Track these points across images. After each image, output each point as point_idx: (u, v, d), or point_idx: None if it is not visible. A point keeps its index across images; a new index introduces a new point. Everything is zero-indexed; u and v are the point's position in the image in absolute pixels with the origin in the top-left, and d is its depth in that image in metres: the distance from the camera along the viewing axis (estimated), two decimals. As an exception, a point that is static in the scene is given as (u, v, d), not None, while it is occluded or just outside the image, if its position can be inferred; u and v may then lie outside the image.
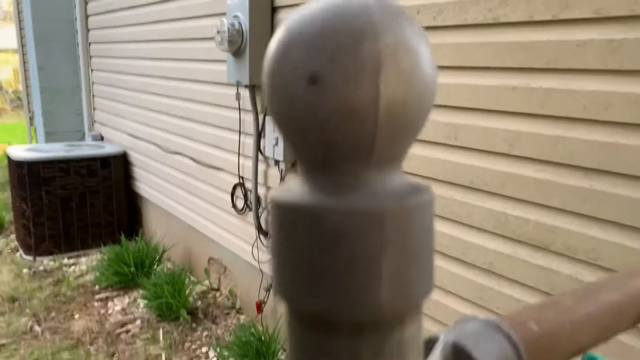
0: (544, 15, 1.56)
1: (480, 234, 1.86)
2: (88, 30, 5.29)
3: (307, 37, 0.18)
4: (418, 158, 2.01)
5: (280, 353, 2.86)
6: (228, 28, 2.67)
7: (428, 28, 1.91)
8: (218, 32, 2.72)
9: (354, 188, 0.19)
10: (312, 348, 0.20)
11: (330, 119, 0.18)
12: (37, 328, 3.33)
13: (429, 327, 1.99)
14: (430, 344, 0.30)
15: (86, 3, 5.24)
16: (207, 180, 3.64)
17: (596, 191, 1.52)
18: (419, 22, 1.93)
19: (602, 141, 1.49)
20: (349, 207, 0.18)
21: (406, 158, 0.21)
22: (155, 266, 3.98)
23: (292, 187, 0.20)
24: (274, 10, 2.74)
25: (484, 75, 1.76)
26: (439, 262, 1.94)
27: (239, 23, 2.70)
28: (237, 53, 2.77)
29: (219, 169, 3.48)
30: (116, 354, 3.07)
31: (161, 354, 3.06)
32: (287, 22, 0.20)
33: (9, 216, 4.98)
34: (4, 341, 3.18)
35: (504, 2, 1.66)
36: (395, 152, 0.20)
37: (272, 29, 2.75)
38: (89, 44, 5.30)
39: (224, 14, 2.95)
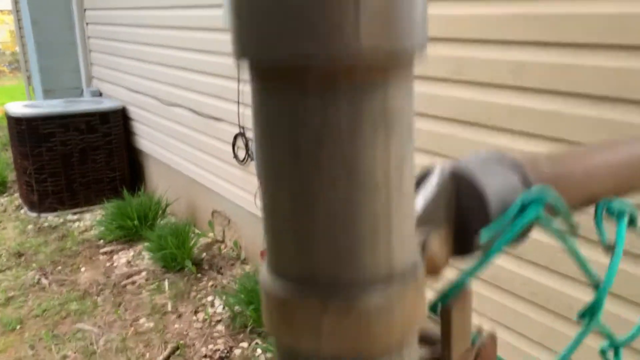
0: None
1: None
2: (81, -18, 5.13)
3: None
4: (421, 96, 1.95)
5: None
6: (222, -32, 2.56)
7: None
8: (212, -28, 2.61)
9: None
10: (278, 114, 0.16)
11: None
12: (44, 281, 3.37)
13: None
14: (427, 173, 0.26)
15: (77, -47, 5.07)
16: (208, 131, 3.59)
17: (606, 120, 1.47)
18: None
19: (611, 66, 1.42)
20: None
21: None
22: (159, 220, 3.98)
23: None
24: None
25: (485, 4, 1.68)
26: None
27: (234, -38, 2.60)
28: (232, -5, 2.67)
29: (218, 119, 3.43)
30: (122, 304, 3.12)
31: (167, 303, 3.10)
32: None
33: (12, 175, 4.98)
34: (12, 294, 3.23)
35: None
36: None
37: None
38: (83, -4, 5.16)
39: (218, -46, 2.82)
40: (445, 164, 0.26)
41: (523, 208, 0.25)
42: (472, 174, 0.25)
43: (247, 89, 3.05)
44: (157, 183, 4.49)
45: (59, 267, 3.55)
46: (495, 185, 0.26)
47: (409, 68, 0.17)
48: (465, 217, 0.25)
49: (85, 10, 5.17)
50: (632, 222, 0.30)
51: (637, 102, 1.40)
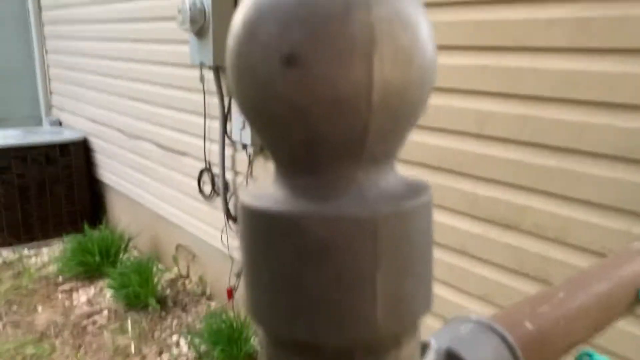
0: (512, -6, 1.55)
1: (452, 215, 1.86)
2: (41, 9, 5.03)
3: (282, 6, 0.14)
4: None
5: (252, 339, 2.84)
6: (190, 7, 2.57)
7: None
8: (179, 11, 2.62)
9: (342, 191, 0.15)
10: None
11: (312, 109, 0.14)
12: (-3, 323, 3.21)
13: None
14: (422, 349, 0.27)
15: (38, -19, 4.98)
16: (173, 165, 3.54)
17: (564, 170, 1.54)
18: (387, 0, 1.89)
19: (569, 120, 1.50)
20: (336, 214, 0.15)
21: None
22: (122, 255, 3.87)
23: (267, 191, 0.17)
24: (237, -12, 2.65)
25: (453, 55, 1.74)
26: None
27: (201, 2, 2.61)
28: (199, 33, 2.68)
29: (184, 154, 3.39)
30: (83, 346, 2.99)
31: (130, 344, 3.00)
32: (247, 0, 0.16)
33: (-37, 207, 4.75)
34: (-38, 338, 3.06)
35: (473, -21, 1.64)
36: (390, 147, 0.17)
37: (235, 7, 2.66)
38: (43, 24, 5.05)
39: (185, -8, 2.83)
40: (439, 338, 0.28)
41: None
42: (463, 352, 0.27)
43: (213, 124, 3.04)
44: (120, 217, 4.38)
45: (14, 307, 3.39)
46: (485, 358, 0.27)
47: (418, 327, 0.18)
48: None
49: (45, 38, 5.06)
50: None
51: (591, 153, 1.47)
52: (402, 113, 0.16)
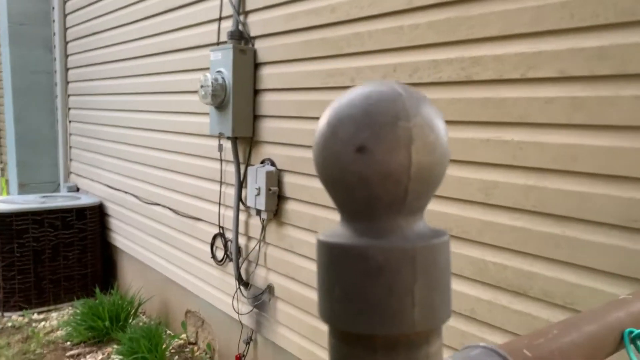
0: (513, 74, 1.69)
1: (461, 281, 1.91)
2: (67, 82, 5.34)
3: (355, 117, 0.24)
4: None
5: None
6: (212, 82, 2.76)
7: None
8: (202, 86, 2.81)
9: (390, 232, 0.24)
10: (359, 364, 0.25)
11: (373, 179, 0.23)
12: (4, 388, 3.18)
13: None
14: None
15: (67, 56, 5.32)
16: (186, 230, 3.63)
17: (569, 237, 1.60)
18: (397, 78, 2.05)
19: (570, 190, 1.58)
20: (388, 246, 0.23)
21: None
22: (131, 320, 3.87)
23: (337, 232, 0.25)
24: (256, 66, 2.85)
25: (459, 129, 1.87)
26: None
27: (222, 78, 2.80)
28: (220, 106, 2.85)
29: (198, 219, 3.49)
30: (89, 414, 2.95)
31: (136, 413, 2.95)
32: (333, 106, 0.25)
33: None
34: (-33, 403, 3.02)
35: (476, 61, 1.79)
36: (421, 204, 0.25)
37: (254, 84, 2.85)
38: (68, 95, 5.35)
39: (206, 69, 3.05)
40: (455, 358, 0.35)
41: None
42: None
43: (228, 191, 3.15)
44: (131, 281, 4.41)
45: (21, 373, 3.37)
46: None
47: (441, 330, 0.26)
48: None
49: (69, 109, 5.33)
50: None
51: (593, 222, 1.54)
52: (429, 182, 0.25)
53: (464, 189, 1.87)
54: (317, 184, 2.48)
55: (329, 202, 2.41)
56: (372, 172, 0.23)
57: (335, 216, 2.39)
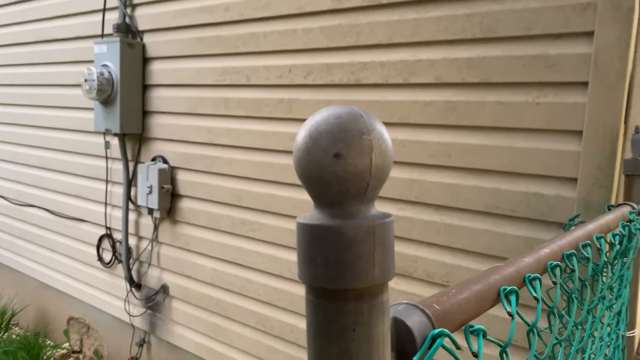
0: (397, 80, 1.88)
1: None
2: None
3: (331, 131, 0.33)
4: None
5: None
6: (97, 77, 2.65)
7: (299, 86, 2.14)
8: (86, 80, 2.67)
9: (357, 214, 0.33)
10: (331, 313, 0.33)
11: (346, 177, 0.32)
12: None
13: None
14: None
15: None
16: (67, 233, 3.41)
17: (446, 224, 1.83)
18: (292, 79, 2.15)
19: (447, 182, 1.81)
20: (357, 224, 0.33)
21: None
22: (2, 333, 3.55)
23: (315, 216, 0.34)
24: (145, 61, 2.78)
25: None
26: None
27: (109, 72, 2.69)
28: (106, 102, 2.74)
29: (81, 220, 3.30)
30: None
31: None
32: (311, 122, 0.34)
33: None
34: None
35: (364, 67, 1.96)
36: (375, 195, 0.35)
37: (143, 79, 2.78)
38: None
39: (90, 61, 2.90)
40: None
41: (433, 339, 0.44)
42: (404, 318, 0.44)
43: (115, 190, 3.03)
44: (1, 291, 4.02)
45: None
46: (417, 325, 0.45)
47: (387, 285, 0.36)
48: (403, 346, 0.44)
49: None
50: (484, 336, 0.52)
51: (466, 209, 1.78)
52: (382, 179, 0.35)
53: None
54: (214, 180, 2.51)
55: (228, 199, 2.45)
56: (346, 172, 0.32)
57: (234, 213, 2.43)
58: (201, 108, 2.53)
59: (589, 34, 1.50)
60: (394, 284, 1.96)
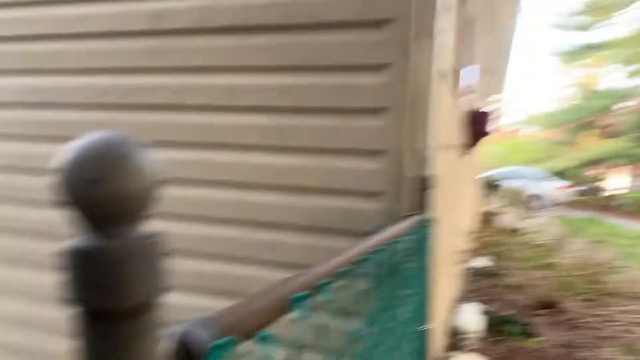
0: (220, 102, 1.92)
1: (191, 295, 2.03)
2: None
3: (92, 156, 0.34)
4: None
5: None
6: None
7: (117, 106, 2.05)
8: None
9: (119, 236, 0.35)
10: (97, 334, 0.34)
11: (106, 200, 0.34)
12: None
13: None
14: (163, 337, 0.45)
15: None
16: None
17: (271, 241, 1.91)
18: (109, 100, 2.05)
19: (272, 201, 1.89)
20: (118, 246, 0.35)
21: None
22: None
23: (78, 239, 0.35)
24: None
25: (175, 150, 2.00)
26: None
27: None
28: None
29: None
30: None
31: None
32: (70, 148, 0.35)
33: None
34: None
35: (186, 88, 1.96)
36: (140, 216, 0.37)
37: None
38: None
39: None
40: (174, 329, 0.47)
41: (217, 349, 0.47)
42: (187, 334, 0.47)
43: None
44: None
45: None
46: (202, 340, 0.48)
47: (157, 302, 0.38)
48: (187, 360, 0.46)
49: None
50: (275, 341, 0.57)
51: (288, 224, 1.88)
52: (145, 199, 0.37)
53: (188, 207, 2.00)
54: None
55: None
56: (106, 195, 0.34)
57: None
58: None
59: (383, 67, 1.71)
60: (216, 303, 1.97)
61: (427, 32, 1.77)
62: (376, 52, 1.72)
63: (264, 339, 0.56)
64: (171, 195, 2.02)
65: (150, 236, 0.38)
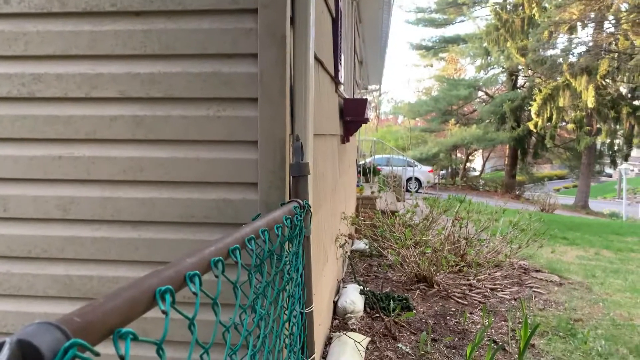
0: (78, 93, 1.77)
1: (46, 302, 1.86)
2: None
3: None
4: (-39, 238, 1.83)
5: None
6: None
7: (-45, 99, 1.80)
8: None
9: None
10: None
11: None
12: None
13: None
14: (1, 346, 0.41)
15: None
16: None
17: (144, 239, 1.81)
18: (-57, 93, 1.80)
19: (142, 197, 1.80)
20: None
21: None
22: None
23: None
24: None
25: (29, 147, 1.80)
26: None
27: None
28: None
29: None
30: None
31: None
32: None
33: None
34: None
35: (37, 78, 1.78)
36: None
37: None
38: None
39: None
40: (13, 337, 0.42)
41: (65, 352, 0.44)
42: (30, 338, 0.42)
43: None
44: None
45: None
46: (47, 342, 0.44)
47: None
48: (30, 368, 0.42)
49: None
50: (134, 338, 0.54)
51: (163, 222, 1.80)
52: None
53: (41, 208, 1.83)
54: None
55: None
56: None
57: None
58: None
59: (254, 55, 1.70)
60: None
61: (302, 18, 1.80)
62: (249, 39, 1.70)
63: (123, 337, 0.53)
64: (25, 195, 1.83)
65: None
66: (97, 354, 0.47)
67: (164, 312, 0.61)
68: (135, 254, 1.82)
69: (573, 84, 18.27)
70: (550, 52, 20.20)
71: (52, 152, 1.81)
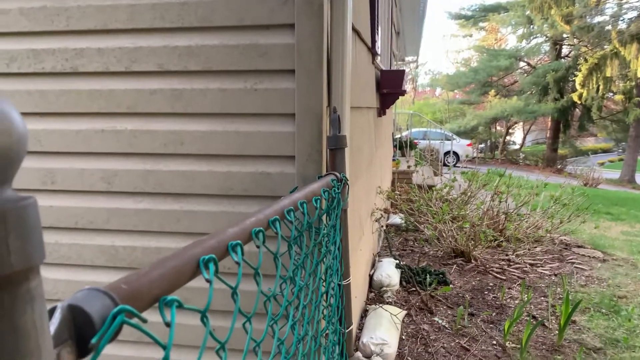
0: (118, 67, 1.79)
1: (95, 271, 1.93)
2: None
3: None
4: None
5: None
6: None
7: (1, 75, 1.86)
8: None
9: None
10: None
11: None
12: None
13: None
14: (53, 312, 0.42)
15: None
16: None
17: (186, 211, 1.85)
18: (-9, 69, 1.86)
19: (182, 170, 1.82)
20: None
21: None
22: None
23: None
24: None
25: (72, 121, 1.85)
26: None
27: None
28: None
29: None
30: None
31: None
32: None
33: None
34: None
35: (79, 53, 1.81)
36: (7, 176, 0.33)
37: None
38: None
39: None
40: (64, 302, 0.43)
41: (114, 318, 0.44)
42: (80, 304, 0.43)
43: None
44: None
45: None
46: (97, 307, 0.45)
47: (39, 269, 0.34)
48: (82, 332, 0.43)
49: None
50: (179, 306, 0.54)
51: (202, 195, 1.83)
52: (11, 159, 0.33)
53: (87, 181, 1.88)
54: None
55: None
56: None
57: None
58: None
59: (291, 26, 1.68)
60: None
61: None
62: (286, 9, 1.68)
63: (169, 304, 0.54)
64: (72, 168, 1.89)
65: (23, 199, 0.34)
66: (144, 320, 0.48)
67: (207, 280, 0.62)
68: (177, 226, 1.86)
69: (622, 53, 17.37)
70: (597, 19, 19.21)
71: (96, 126, 1.85)
